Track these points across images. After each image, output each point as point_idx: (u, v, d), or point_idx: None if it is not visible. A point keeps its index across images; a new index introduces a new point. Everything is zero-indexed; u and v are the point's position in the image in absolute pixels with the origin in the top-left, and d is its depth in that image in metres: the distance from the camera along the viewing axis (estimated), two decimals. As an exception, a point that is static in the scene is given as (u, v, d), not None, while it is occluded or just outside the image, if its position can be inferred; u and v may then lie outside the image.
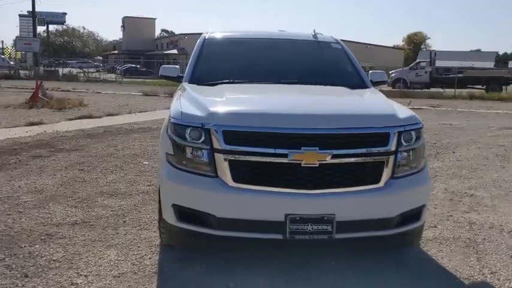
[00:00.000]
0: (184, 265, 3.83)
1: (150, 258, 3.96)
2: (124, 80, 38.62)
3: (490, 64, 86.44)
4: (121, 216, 5.00)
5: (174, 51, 64.96)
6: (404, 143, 3.54)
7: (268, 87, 4.52)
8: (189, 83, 4.64)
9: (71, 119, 12.76)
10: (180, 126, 3.56)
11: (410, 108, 4.10)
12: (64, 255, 3.99)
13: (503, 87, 33.97)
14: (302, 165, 3.34)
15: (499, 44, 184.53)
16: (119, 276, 3.63)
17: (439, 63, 35.96)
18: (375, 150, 3.45)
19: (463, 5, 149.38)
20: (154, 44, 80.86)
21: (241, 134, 3.38)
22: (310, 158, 3.32)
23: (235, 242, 3.56)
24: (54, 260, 3.90)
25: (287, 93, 4.35)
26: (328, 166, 3.37)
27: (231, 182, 3.39)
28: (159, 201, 4.05)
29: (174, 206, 3.57)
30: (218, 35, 5.33)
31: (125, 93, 25.49)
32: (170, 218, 3.65)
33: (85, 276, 3.62)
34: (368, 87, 4.79)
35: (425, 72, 33.14)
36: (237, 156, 3.38)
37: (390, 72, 37.42)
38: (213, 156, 3.43)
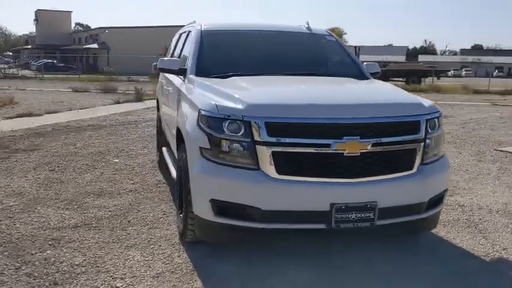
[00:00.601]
0: (220, 261, 3.75)
1: (179, 257, 3.84)
2: (45, 76, 36.57)
3: (402, 58, 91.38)
4: (122, 216, 4.79)
5: (94, 45, 62.44)
6: (430, 130, 3.70)
7: (284, 78, 4.53)
8: (195, 75, 4.52)
9: (10, 118, 11.93)
10: (216, 119, 3.48)
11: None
12: (85, 259, 3.77)
13: (422, 79, 36.30)
14: (344, 154, 3.39)
15: (408, 38, 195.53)
16: (158, 277, 3.49)
17: (361, 58, 37.44)
18: (408, 137, 3.58)
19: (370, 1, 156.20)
20: (71, 38, 77.28)
21: (284, 125, 3.37)
22: (352, 147, 3.38)
23: (269, 234, 3.56)
24: (77, 265, 3.67)
25: (309, 84, 4.38)
26: (369, 154, 3.45)
27: (274, 174, 3.37)
28: (182, 198, 3.96)
29: (213, 201, 3.49)
30: (214, 27, 5.24)
31: (52, 89, 24.17)
32: (206, 213, 3.56)
33: (121, 278, 3.45)
34: (369, 78, 4.93)
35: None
36: (280, 147, 3.36)
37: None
38: (254, 149, 3.39)
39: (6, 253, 3.85)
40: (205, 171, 3.52)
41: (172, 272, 3.57)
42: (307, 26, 5.48)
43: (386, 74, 32.90)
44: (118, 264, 3.69)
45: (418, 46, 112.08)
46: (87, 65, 57.88)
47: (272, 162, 3.37)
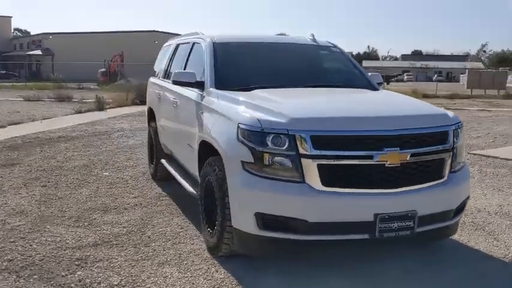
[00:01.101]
0: (261, 273, 3.76)
1: (217, 271, 3.82)
2: (-12, 84, 34.88)
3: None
4: (139, 232, 4.70)
5: (38, 51, 60.21)
6: (455, 140, 3.88)
7: (307, 91, 4.61)
8: (216, 88, 4.51)
9: (-29, 130, 11.36)
10: (259, 134, 3.51)
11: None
12: (122, 279, 3.68)
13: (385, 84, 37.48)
14: (386, 165, 3.50)
15: (352, 44, 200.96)
16: (206, 293, 3.46)
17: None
18: (440, 147, 3.74)
19: (314, 8, 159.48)
20: (12, 45, 74.12)
21: (328, 138, 3.45)
22: (393, 158, 3.50)
23: (305, 246, 3.63)
24: (116, 285, 3.58)
25: (337, 96, 4.48)
26: (407, 165, 3.58)
27: (320, 186, 3.44)
28: (214, 212, 3.94)
29: (258, 214, 3.50)
30: (225, 38, 5.23)
31: (1, 99, 23.11)
32: (249, 227, 3.58)
33: (170, 297, 3.40)
34: (378, 89, 5.09)
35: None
36: (325, 160, 3.43)
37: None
38: (299, 162, 3.44)
39: (35, 276, 3.71)
40: (249, 185, 3.54)
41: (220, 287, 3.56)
42: (312, 37, 5.59)
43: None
44: (159, 282, 3.63)
45: (361, 52, 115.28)
46: (30, 72, 55.73)
47: (317, 174, 3.43)
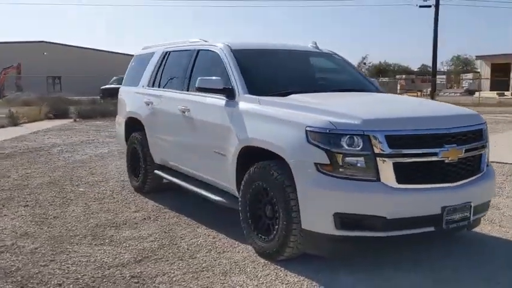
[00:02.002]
0: (334, 274, 3.82)
1: (287, 275, 3.81)
2: None
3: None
4: (173, 245, 4.51)
5: None
6: (486, 137, 4.27)
7: (341, 95, 4.78)
8: (250, 94, 4.51)
9: None
10: (333, 135, 3.60)
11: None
12: (198, 292, 3.54)
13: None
14: (446, 161, 3.77)
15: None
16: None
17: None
18: (480, 143, 4.10)
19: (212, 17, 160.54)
20: None
21: (401, 137, 3.64)
22: (453, 154, 3.78)
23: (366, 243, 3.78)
24: (197, 299, 3.44)
25: (376, 98, 4.69)
26: (461, 160, 3.88)
27: (395, 184, 3.61)
28: (274, 216, 3.96)
29: (337, 214, 3.58)
30: (241, 45, 5.19)
31: None
32: (326, 227, 3.65)
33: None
34: (383, 92, 5.41)
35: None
36: (399, 158, 3.62)
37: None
38: (375, 161, 3.58)
39: (103, 298, 3.43)
40: (327, 186, 3.60)
41: (306, 292, 3.56)
42: (315, 45, 5.77)
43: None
44: (239, 292, 3.55)
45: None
46: None
47: (393, 172, 3.59)
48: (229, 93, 4.66)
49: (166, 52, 6.23)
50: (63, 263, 4.06)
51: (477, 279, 3.79)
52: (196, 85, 4.75)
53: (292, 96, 4.43)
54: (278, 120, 4.03)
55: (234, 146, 4.44)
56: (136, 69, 7.01)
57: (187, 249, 4.43)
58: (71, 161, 9.07)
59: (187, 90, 5.43)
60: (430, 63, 39.36)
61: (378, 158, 3.59)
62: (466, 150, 3.90)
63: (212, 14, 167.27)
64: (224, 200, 4.75)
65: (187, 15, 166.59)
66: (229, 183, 4.65)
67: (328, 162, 3.60)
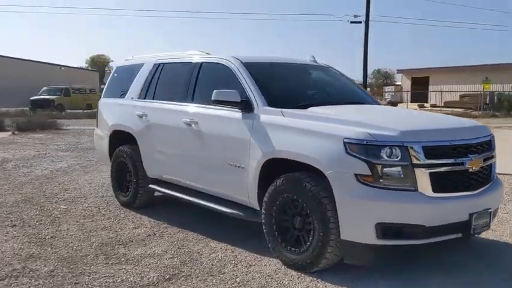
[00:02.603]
0: (370, 282, 3.90)
1: (326, 286, 3.85)
2: None
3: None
4: (195, 261, 4.42)
5: None
6: (495, 147, 4.56)
7: (356, 107, 4.93)
8: (270, 106, 4.54)
9: None
10: (373, 147, 3.72)
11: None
12: (249, 307, 3.49)
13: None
14: (470, 170, 4.00)
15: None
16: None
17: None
18: (492, 153, 4.38)
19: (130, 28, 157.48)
20: None
21: (436, 148, 3.83)
22: (476, 163, 4.03)
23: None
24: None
25: (391, 110, 4.86)
26: (480, 169, 4.12)
27: (431, 193, 3.78)
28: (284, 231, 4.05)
29: (379, 224, 3.68)
30: (251, 59, 5.19)
31: None
32: (367, 237, 3.74)
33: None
34: (379, 103, 5.64)
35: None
36: (434, 168, 3.79)
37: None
38: (412, 171, 3.73)
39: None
40: (368, 196, 3.70)
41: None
42: (313, 59, 5.89)
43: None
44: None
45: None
46: None
47: (429, 182, 3.76)
48: (245, 106, 4.65)
49: (160, 64, 6.09)
50: (89, 285, 3.85)
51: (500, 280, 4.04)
52: (213, 98, 4.69)
53: (313, 108, 4.50)
54: (310, 133, 4.07)
55: (257, 159, 4.43)
56: (121, 81, 6.80)
57: (212, 264, 4.35)
58: (34, 177, 8.56)
59: (191, 103, 5.35)
60: (357, 77, 41.00)
61: (415, 168, 3.74)
62: (484, 160, 4.15)
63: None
64: (240, 213, 4.72)
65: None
66: (247, 195, 4.62)
67: (369, 173, 3.70)
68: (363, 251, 3.82)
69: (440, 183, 3.82)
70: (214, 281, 3.99)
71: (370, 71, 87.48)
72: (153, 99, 5.99)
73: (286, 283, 3.93)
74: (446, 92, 40.27)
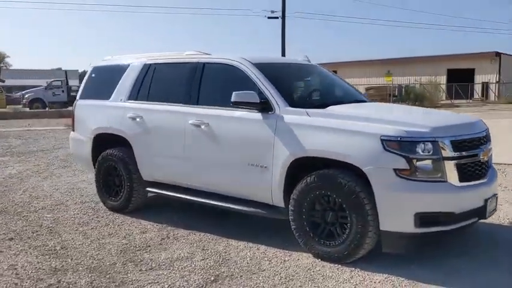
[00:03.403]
0: (413, 267, 4.22)
1: (369, 275, 4.11)
2: None
3: (76, 81, 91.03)
4: (228, 261, 4.48)
5: None
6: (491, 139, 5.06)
7: (373, 105, 5.21)
8: (290, 107, 4.70)
9: None
10: (409, 143, 4.04)
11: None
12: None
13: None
14: (481, 160, 4.46)
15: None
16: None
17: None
18: (491, 143, 4.88)
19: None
20: None
21: (460, 142, 4.23)
22: (486, 154, 4.51)
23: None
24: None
25: (402, 107, 5.17)
26: (486, 159, 4.60)
27: (457, 183, 4.17)
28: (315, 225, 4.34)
29: (417, 214, 4.01)
30: (259, 59, 5.26)
31: None
32: (406, 227, 4.06)
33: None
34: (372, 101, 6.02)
35: (63, 91, 33.08)
36: (459, 160, 4.19)
37: (26, 92, 35.60)
38: (443, 164, 4.11)
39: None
40: (407, 189, 4.01)
41: None
42: (307, 59, 6.10)
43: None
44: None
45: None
46: None
47: (456, 173, 4.15)
48: (265, 107, 4.76)
49: (151, 64, 5.99)
50: (143, 295, 3.80)
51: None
52: (232, 99, 4.75)
53: (333, 107, 4.73)
54: (344, 131, 4.28)
55: (283, 158, 4.57)
56: (101, 82, 6.57)
57: (247, 262, 4.44)
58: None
59: (197, 104, 5.34)
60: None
61: (444, 161, 4.10)
62: (488, 151, 4.63)
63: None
64: (263, 212, 4.84)
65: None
66: (270, 194, 4.74)
67: (408, 167, 4.01)
68: (399, 240, 4.12)
69: (463, 173, 4.22)
70: (260, 278, 4.10)
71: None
72: (147, 101, 5.88)
73: (330, 274, 4.14)
74: (354, 85, 42.49)
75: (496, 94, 42.29)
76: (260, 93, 4.82)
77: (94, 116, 6.46)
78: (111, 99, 6.28)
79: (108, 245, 4.96)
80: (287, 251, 4.68)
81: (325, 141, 4.38)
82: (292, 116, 4.63)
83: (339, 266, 4.30)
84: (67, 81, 33.84)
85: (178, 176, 5.62)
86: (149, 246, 4.93)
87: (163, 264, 4.41)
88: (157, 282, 4.03)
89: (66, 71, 36.27)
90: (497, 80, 42.58)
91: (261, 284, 3.99)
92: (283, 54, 37.34)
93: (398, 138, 4.04)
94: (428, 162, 4.07)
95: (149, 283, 4.01)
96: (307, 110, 4.62)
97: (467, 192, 4.22)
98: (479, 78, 43.34)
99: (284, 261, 4.47)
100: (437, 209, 4.08)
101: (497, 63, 42.55)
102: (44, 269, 4.29)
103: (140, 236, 5.26)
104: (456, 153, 4.16)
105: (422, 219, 4.04)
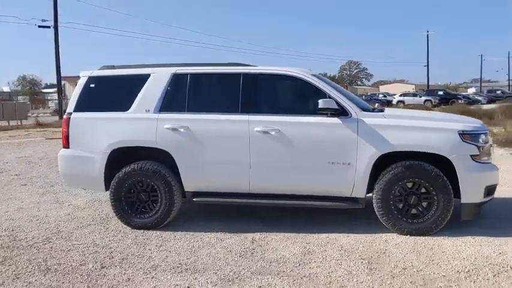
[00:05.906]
0: (477, 230, 5.49)
1: (457, 240, 5.25)
2: None
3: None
4: (305, 256, 4.94)
5: None
6: None
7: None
8: (363, 110, 5.57)
9: None
10: (478, 135, 5.41)
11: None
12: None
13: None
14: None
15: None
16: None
17: None
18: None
19: None
20: None
21: (478, 134, 5.61)
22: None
23: None
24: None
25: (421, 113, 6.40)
26: (488, 145, 6.26)
27: (494, 163, 5.67)
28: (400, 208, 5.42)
29: (486, 187, 5.38)
30: (306, 71, 5.91)
31: None
32: (478, 198, 5.39)
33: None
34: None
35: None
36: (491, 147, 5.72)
37: None
38: (491, 149, 5.58)
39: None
40: (481, 169, 5.35)
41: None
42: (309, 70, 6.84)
43: None
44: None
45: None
46: None
47: (492, 156, 5.65)
48: (342, 112, 5.47)
49: (184, 74, 5.89)
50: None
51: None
52: (320, 106, 5.34)
53: (387, 112, 5.80)
54: (424, 129, 5.35)
55: (368, 155, 5.36)
56: (108, 93, 6.06)
57: (321, 255, 4.94)
58: None
59: (259, 112, 5.67)
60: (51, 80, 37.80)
61: (491, 148, 5.57)
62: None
63: None
64: (345, 204, 5.53)
65: None
66: (351, 187, 5.45)
67: (478, 153, 5.33)
68: (474, 208, 5.40)
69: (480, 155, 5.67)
70: (353, 266, 4.59)
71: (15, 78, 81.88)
72: (187, 111, 5.79)
73: (423, 251, 4.91)
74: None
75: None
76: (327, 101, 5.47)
77: (106, 129, 5.92)
78: (131, 110, 5.90)
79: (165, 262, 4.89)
80: (347, 234, 5.53)
81: (410, 138, 5.36)
82: (372, 119, 5.46)
83: (426, 240, 5.20)
84: None
85: (239, 181, 5.73)
86: (253, 249, 5.07)
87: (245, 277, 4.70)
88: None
89: None
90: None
91: (362, 274, 4.71)
92: (58, 65, 34.25)
93: (471, 132, 5.33)
94: (486, 148, 5.46)
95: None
96: (384, 113, 5.56)
97: (494, 170, 5.71)
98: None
99: (351, 250, 5.04)
100: (495, 182, 5.53)
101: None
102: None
103: (228, 242, 5.29)
104: (489, 142, 5.65)
105: (488, 190, 5.41)
